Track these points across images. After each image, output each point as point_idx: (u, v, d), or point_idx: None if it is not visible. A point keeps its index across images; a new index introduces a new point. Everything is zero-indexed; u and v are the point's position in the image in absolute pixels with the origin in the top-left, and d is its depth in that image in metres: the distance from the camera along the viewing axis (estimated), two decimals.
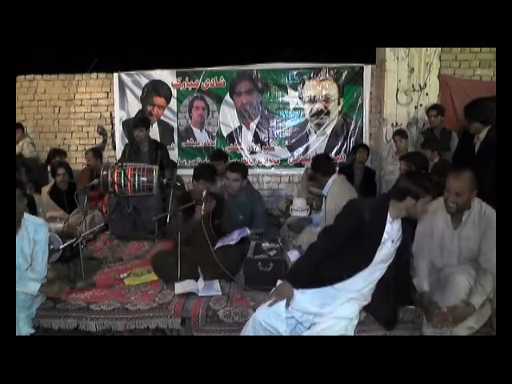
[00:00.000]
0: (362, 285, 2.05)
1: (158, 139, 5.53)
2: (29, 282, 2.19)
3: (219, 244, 2.86)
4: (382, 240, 2.00)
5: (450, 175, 2.19)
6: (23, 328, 2.05)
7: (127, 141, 5.63)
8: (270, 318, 1.97)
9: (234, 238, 2.86)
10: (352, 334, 1.98)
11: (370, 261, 2.01)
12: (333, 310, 1.98)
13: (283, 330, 1.97)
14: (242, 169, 3.52)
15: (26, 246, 2.20)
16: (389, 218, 2.03)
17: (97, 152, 4.95)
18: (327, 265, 2.04)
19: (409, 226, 2.11)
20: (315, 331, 1.93)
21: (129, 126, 5.71)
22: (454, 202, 2.13)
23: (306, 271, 2.04)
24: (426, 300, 2.12)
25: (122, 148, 5.48)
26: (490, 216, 2.11)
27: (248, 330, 2.03)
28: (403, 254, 2.09)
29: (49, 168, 4.49)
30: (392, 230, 2.03)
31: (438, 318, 2.00)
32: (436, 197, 2.16)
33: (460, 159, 3.30)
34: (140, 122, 4.29)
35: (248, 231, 2.95)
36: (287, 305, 1.96)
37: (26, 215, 2.27)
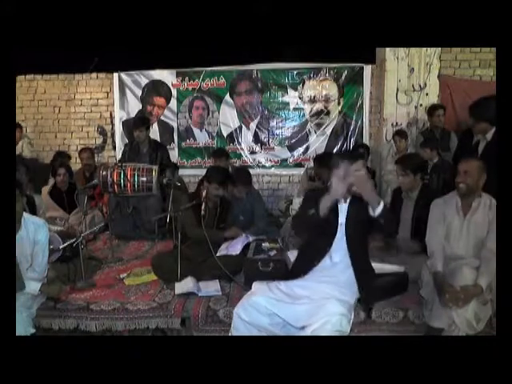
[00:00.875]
0: (342, 277, 2.12)
1: (158, 139, 5.53)
2: (29, 282, 2.19)
3: (222, 252, 2.85)
4: (340, 222, 2.16)
5: (461, 160, 2.37)
6: (23, 328, 2.05)
7: (127, 141, 5.63)
8: (252, 316, 2.00)
9: (237, 248, 2.85)
10: (348, 330, 1.97)
11: (331, 240, 2.15)
12: (319, 311, 1.96)
13: (267, 323, 2.00)
14: (251, 180, 3.54)
15: (26, 246, 2.20)
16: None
17: (92, 152, 4.95)
18: (298, 258, 2.22)
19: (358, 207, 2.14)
20: (309, 331, 1.92)
21: (129, 125, 5.71)
22: (464, 181, 2.27)
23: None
24: (440, 279, 2.18)
25: (122, 148, 5.48)
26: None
27: (236, 331, 2.04)
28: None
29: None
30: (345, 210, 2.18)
31: (450, 294, 2.04)
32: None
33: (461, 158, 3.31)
34: (140, 122, 4.27)
35: (250, 238, 2.94)
36: None
37: (26, 215, 2.27)
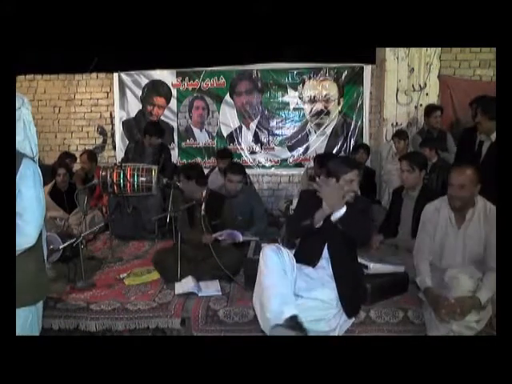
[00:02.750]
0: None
1: None
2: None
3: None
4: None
5: (454, 169, 2.22)
6: (32, 329, 2.03)
7: (127, 141, 5.64)
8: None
9: (226, 241, 2.87)
10: (333, 317, 2.04)
11: (324, 241, 2.19)
12: (311, 293, 2.07)
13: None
14: (243, 170, 3.54)
15: None
16: None
17: (92, 154, 4.92)
18: (298, 255, 2.24)
19: (353, 210, 2.12)
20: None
21: (129, 126, 5.71)
22: (459, 196, 2.15)
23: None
24: (432, 294, 2.11)
25: (122, 148, 5.49)
26: (494, 214, 2.12)
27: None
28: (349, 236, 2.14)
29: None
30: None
31: (446, 309, 1.98)
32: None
33: (464, 159, 3.28)
34: (157, 131, 4.20)
35: (241, 238, 2.92)
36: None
37: None
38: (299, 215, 2.24)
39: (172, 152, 5.54)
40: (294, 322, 1.83)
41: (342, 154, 5.52)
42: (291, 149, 5.63)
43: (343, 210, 2.02)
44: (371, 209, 2.26)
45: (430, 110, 4.34)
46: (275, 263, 1.99)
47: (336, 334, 2.08)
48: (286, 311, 1.85)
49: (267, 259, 2.03)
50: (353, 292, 2.16)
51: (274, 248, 2.06)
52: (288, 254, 2.08)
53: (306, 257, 2.23)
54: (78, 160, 4.97)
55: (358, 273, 2.31)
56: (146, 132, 4.21)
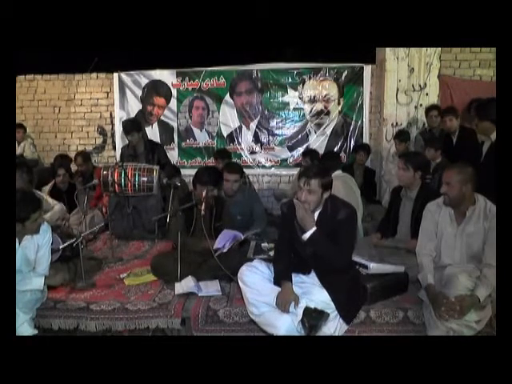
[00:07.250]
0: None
1: (158, 139, 5.55)
2: (32, 279, 2.19)
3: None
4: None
5: (446, 167, 2.30)
6: (26, 329, 2.04)
7: (127, 141, 5.64)
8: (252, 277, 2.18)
9: (225, 246, 2.76)
10: (331, 320, 2.04)
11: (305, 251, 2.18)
12: (307, 296, 2.08)
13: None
14: (240, 169, 3.53)
15: (30, 251, 2.20)
16: None
17: (86, 155, 4.90)
18: (294, 261, 2.26)
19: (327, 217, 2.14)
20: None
21: None
22: (445, 192, 2.22)
23: (285, 266, 2.22)
24: (433, 292, 2.12)
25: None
26: (494, 213, 2.14)
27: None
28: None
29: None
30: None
31: (445, 307, 1.99)
32: None
33: (460, 158, 3.29)
34: (130, 127, 4.15)
35: (242, 237, 2.90)
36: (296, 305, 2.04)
37: None
38: (283, 248, 2.30)
39: (172, 152, 5.57)
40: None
41: (342, 154, 5.52)
42: (291, 149, 5.63)
43: (310, 231, 2.05)
44: (352, 220, 2.18)
45: (427, 109, 4.37)
46: (252, 281, 2.16)
47: (336, 335, 2.08)
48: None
49: (243, 277, 2.19)
50: (347, 298, 2.14)
51: (249, 265, 2.25)
52: (267, 266, 2.26)
53: (297, 268, 2.24)
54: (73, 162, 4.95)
55: (353, 279, 2.25)
56: (124, 131, 4.18)
